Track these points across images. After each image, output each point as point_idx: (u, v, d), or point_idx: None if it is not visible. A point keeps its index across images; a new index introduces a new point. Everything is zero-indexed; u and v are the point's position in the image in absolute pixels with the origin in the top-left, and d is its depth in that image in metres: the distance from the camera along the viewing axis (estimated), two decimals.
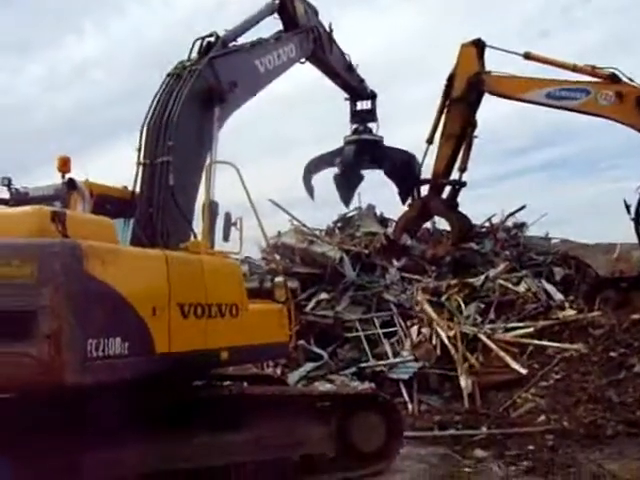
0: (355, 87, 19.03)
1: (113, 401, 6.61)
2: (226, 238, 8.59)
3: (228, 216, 8.57)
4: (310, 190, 20.52)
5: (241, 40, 11.37)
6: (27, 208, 6.71)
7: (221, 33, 10.67)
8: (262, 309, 8.88)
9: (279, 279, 9.61)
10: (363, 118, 20.13)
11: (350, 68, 18.12)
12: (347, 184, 20.41)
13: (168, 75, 9.65)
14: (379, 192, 24.35)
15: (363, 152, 19.88)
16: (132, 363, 6.48)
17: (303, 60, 14.43)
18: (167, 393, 7.51)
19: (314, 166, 20.70)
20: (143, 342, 6.66)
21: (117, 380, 6.35)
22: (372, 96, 19.86)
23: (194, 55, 10.14)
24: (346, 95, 19.54)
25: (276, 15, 13.32)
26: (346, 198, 20.71)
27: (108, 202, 8.40)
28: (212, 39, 10.42)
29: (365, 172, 20.42)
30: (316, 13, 15.21)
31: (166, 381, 7.19)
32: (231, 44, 10.91)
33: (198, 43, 10.27)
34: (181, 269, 7.33)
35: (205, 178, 8.71)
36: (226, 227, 8.54)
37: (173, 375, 7.15)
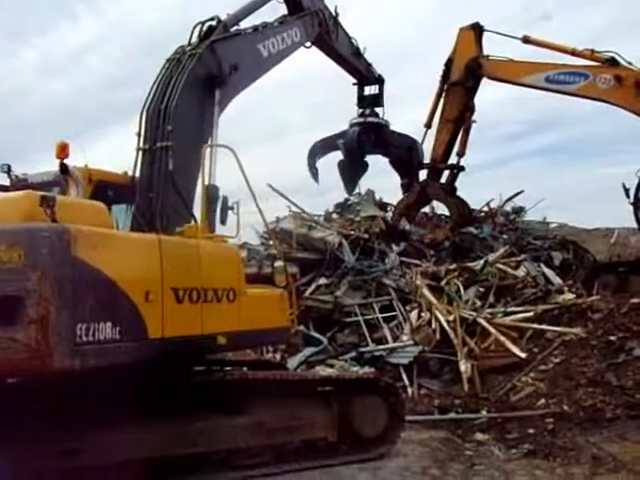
0: (362, 72, 18.94)
1: (111, 385, 6.61)
2: (223, 222, 8.56)
3: (225, 200, 8.55)
4: (314, 174, 20.58)
5: (244, 24, 11.24)
6: (17, 193, 6.70)
7: (223, 17, 10.55)
8: (262, 294, 8.83)
9: (279, 264, 9.58)
10: (370, 103, 20.10)
11: (357, 53, 18.01)
12: (351, 172, 20.46)
13: (168, 60, 9.57)
14: (378, 178, 24.31)
15: (367, 134, 19.90)
16: (124, 348, 6.43)
17: (309, 45, 14.34)
18: (166, 378, 7.49)
19: (318, 149, 20.74)
20: (135, 327, 6.60)
21: (108, 365, 6.30)
22: (380, 81, 19.78)
23: (195, 39, 10.03)
24: (353, 80, 19.42)
25: None
26: (350, 186, 20.77)
27: (108, 188, 8.39)
28: (213, 23, 10.30)
29: (368, 158, 20.49)
30: None
31: (162, 366, 7.12)
32: (233, 28, 10.79)
33: (199, 27, 10.15)
34: (175, 253, 7.25)
35: (204, 162, 8.63)
36: (223, 211, 8.52)
37: (168, 360, 7.08)
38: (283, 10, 13.32)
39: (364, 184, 21.44)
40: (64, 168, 7.57)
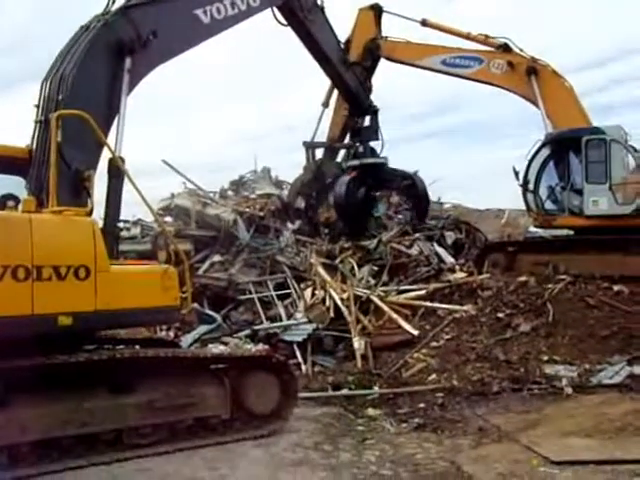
0: (350, 88, 17.87)
1: None
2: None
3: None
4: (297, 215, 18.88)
5: None
6: None
7: None
8: (135, 272, 8.55)
9: (160, 241, 9.38)
10: (365, 136, 18.89)
11: (345, 62, 17.14)
12: (350, 217, 18.56)
13: (80, 27, 9.17)
14: (275, 155, 24.11)
15: (363, 178, 18.61)
16: None
17: (285, 23, 13.99)
18: (48, 356, 7.22)
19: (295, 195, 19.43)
20: None
21: None
22: (373, 111, 18.77)
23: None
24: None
25: None
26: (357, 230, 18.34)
27: (3, 160, 8.19)
28: None
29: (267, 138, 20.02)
30: None
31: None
32: None
33: None
34: None
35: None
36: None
37: None
38: None
39: (261, 160, 21.29)
40: None
